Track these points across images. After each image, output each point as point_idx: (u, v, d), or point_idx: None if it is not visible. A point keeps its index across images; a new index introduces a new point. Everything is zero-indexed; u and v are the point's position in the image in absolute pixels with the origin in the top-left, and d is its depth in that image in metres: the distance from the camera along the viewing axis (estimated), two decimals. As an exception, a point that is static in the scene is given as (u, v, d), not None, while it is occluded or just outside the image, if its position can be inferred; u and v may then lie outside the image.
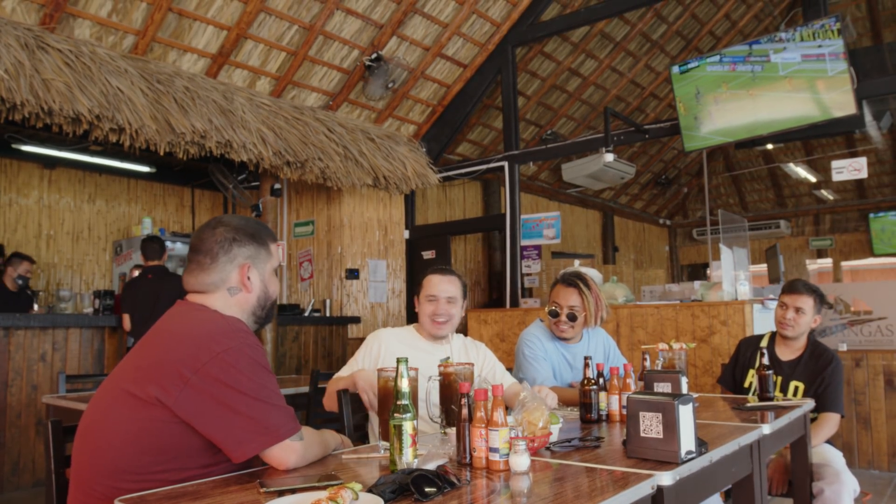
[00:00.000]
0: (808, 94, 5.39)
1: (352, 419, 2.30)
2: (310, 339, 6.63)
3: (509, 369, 2.86)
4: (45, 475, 2.80)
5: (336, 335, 6.89)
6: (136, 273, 5.48)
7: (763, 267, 9.42)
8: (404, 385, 1.56)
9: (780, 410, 2.40)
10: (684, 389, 2.23)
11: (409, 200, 7.90)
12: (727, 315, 4.68)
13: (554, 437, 1.84)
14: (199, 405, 1.44)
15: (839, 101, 5.22)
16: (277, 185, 6.37)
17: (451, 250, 7.91)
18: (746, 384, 3.15)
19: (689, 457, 1.59)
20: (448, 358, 2.43)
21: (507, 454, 1.52)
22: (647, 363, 2.63)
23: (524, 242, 6.99)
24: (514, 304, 6.84)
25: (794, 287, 3.05)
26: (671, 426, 1.58)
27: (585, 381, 2.27)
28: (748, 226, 7.76)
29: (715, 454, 1.73)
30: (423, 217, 8.33)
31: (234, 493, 1.36)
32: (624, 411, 2.13)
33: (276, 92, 6.08)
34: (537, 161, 8.17)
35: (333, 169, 5.93)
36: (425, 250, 7.74)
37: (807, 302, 3.00)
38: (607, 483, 1.47)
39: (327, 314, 6.99)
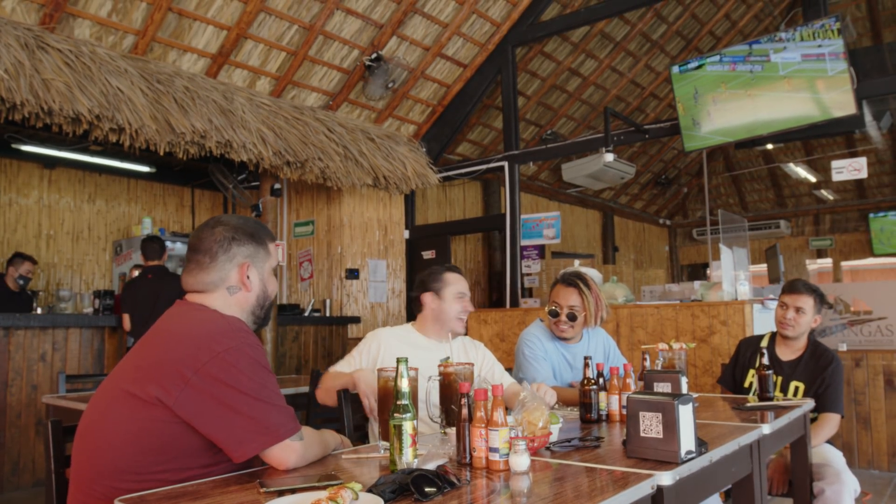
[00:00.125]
0: (808, 93, 5.39)
1: (352, 419, 2.30)
2: (310, 339, 6.63)
3: (509, 369, 2.86)
4: (45, 475, 2.80)
5: (336, 335, 6.89)
6: (136, 273, 5.48)
7: (763, 267, 9.41)
8: (404, 385, 1.56)
9: (780, 410, 2.40)
10: (684, 389, 2.23)
11: (409, 200, 7.90)
12: (727, 315, 4.67)
13: (554, 437, 1.84)
14: (200, 405, 1.44)
15: (839, 101, 5.22)
16: (277, 185, 6.36)
17: (451, 250, 7.91)
18: (746, 384, 3.14)
19: (689, 457, 1.59)
20: (448, 358, 2.43)
21: (507, 454, 1.51)
22: (647, 363, 2.63)
23: (524, 242, 6.99)
24: (514, 304, 6.84)
25: (795, 287, 3.05)
26: (671, 426, 1.58)
27: (585, 381, 2.27)
28: (748, 226, 7.75)
29: (715, 454, 1.73)
30: (423, 217, 8.32)
31: (234, 493, 1.36)
32: (624, 411, 2.13)
33: (276, 92, 6.08)
34: (537, 161, 8.16)
35: (333, 169, 5.93)
36: (425, 250, 7.74)
37: (807, 302, 3.00)
38: (607, 483, 1.47)
39: (327, 314, 6.99)
